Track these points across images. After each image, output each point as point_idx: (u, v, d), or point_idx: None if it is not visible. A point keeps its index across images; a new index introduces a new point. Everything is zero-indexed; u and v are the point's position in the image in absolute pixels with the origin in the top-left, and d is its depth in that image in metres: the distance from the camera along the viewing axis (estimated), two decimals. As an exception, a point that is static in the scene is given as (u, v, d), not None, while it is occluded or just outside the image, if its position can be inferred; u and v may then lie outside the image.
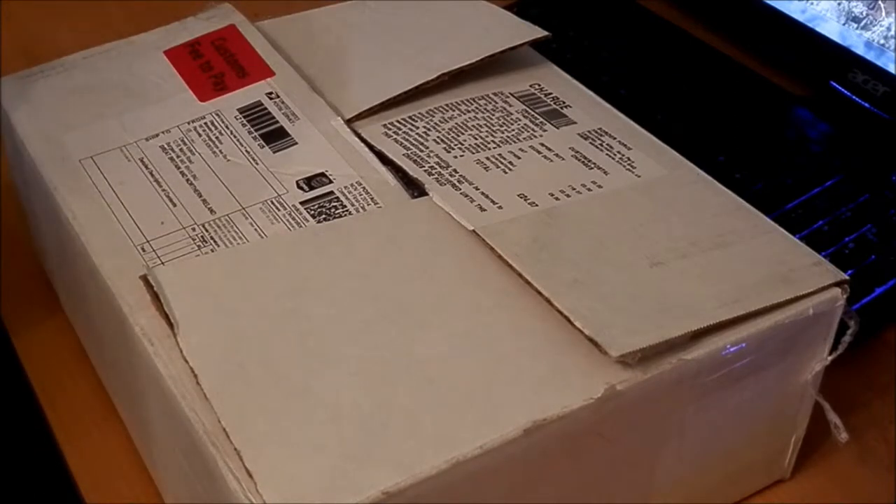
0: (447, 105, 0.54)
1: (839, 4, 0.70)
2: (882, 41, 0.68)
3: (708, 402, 0.43)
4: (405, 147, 0.51)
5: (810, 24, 0.72)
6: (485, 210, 0.47)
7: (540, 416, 0.38)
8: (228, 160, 0.51)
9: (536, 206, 0.47)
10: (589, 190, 0.49)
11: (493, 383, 0.40)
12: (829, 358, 0.46)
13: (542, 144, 0.51)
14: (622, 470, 0.43)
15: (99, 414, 0.54)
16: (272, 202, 0.48)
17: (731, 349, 0.42)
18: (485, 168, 0.50)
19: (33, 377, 0.56)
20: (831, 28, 0.71)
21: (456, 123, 0.53)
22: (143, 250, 0.46)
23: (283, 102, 0.53)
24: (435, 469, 0.37)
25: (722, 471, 0.47)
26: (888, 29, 0.67)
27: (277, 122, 0.52)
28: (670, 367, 0.41)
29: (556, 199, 0.48)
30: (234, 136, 0.52)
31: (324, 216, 0.47)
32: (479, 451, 0.38)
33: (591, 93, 0.56)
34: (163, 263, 0.45)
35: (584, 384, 0.40)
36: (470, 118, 0.53)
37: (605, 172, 0.50)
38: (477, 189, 0.48)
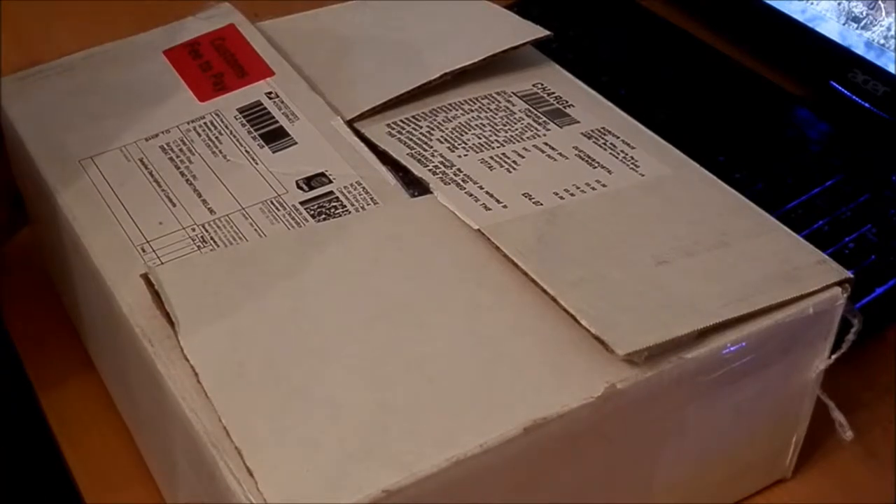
0: (450, 105, 0.54)
1: (839, 4, 0.70)
2: (882, 41, 0.68)
3: (708, 401, 0.43)
4: (409, 147, 0.51)
5: (810, 24, 0.72)
6: (489, 209, 0.47)
7: (540, 415, 0.38)
8: (228, 160, 0.50)
9: (541, 205, 0.47)
10: (593, 189, 0.49)
11: (493, 382, 0.40)
12: (833, 357, 0.46)
13: (546, 144, 0.51)
14: (622, 469, 0.43)
15: (100, 414, 0.53)
16: (272, 202, 0.48)
17: (732, 348, 0.42)
18: (489, 167, 0.50)
19: (34, 377, 0.56)
20: (831, 28, 0.71)
21: (459, 123, 0.53)
22: (143, 251, 0.46)
23: (282, 102, 0.53)
24: (435, 468, 0.37)
25: (723, 470, 0.47)
26: (888, 29, 0.67)
27: (277, 121, 0.52)
28: (670, 366, 0.41)
29: (561, 198, 0.48)
30: (234, 136, 0.52)
31: (323, 216, 0.47)
32: (480, 449, 0.37)
33: (593, 92, 0.56)
34: (162, 264, 0.45)
35: (585, 383, 0.40)
36: (473, 118, 0.53)
37: (609, 171, 0.50)
38: (481, 188, 0.48)
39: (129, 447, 0.52)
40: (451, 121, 0.53)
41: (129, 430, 0.52)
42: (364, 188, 0.49)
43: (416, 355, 0.41)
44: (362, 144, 0.51)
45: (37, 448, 0.55)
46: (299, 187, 0.49)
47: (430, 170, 0.49)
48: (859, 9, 0.69)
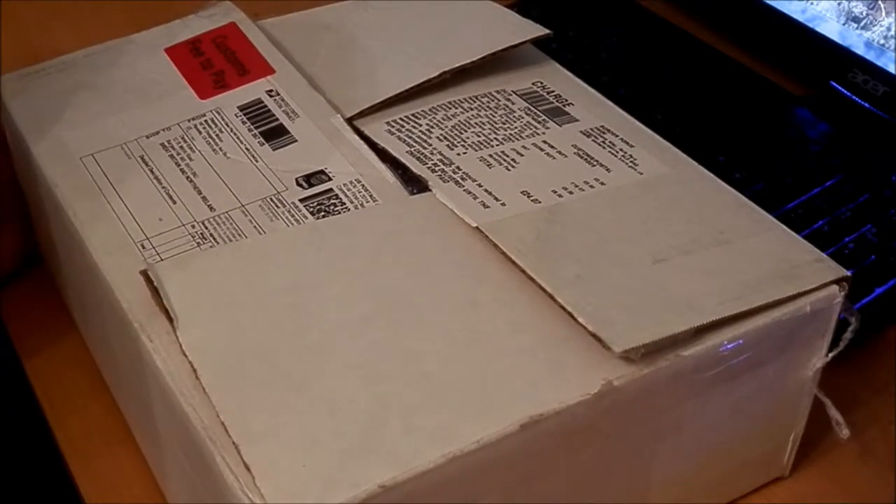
0: (450, 103, 0.54)
1: (839, 4, 0.70)
2: (882, 41, 0.68)
3: (705, 398, 0.43)
4: (408, 144, 0.51)
5: (810, 24, 0.72)
6: (488, 207, 0.47)
7: (537, 412, 0.38)
8: (228, 158, 0.51)
9: (539, 203, 0.47)
10: (591, 187, 0.49)
11: (490, 378, 0.40)
12: (830, 355, 0.46)
13: (545, 142, 0.51)
14: (619, 466, 0.43)
15: (99, 410, 0.54)
16: (271, 199, 0.48)
17: (729, 346, 0.42)
18: (488, 165, 0.50)
19: (34, 374, 0.56)
20: (831, 28, 0.71)
21: (459, 121, 0.53)
22: (143, 247, 0.46)
23: (283, 100, 0.54)
24: (432, 463, 0.37)
25: (720, 468, 0.47)
26: (888, 29, 0.67)
27: (277, 119, 0.52)
28: (667, 363, 0.41)
29: (559, 196, 0.48)
30: (234, 134, 0.52)
31: (322, 213, 0.47)
32: (476, 445, 0.38)
33: (593, 90, 0.56)
34: (162, 260, 0.45)
35: (582, 380, 0.40)
36: (473, 116, 0.53)
37: (608, 170, 0.50)
38: (480, 186, 0.48)
39: (128, 442, 0.52)
40: (450, 119, 0.53)
41: (128, 426, 0.52)
42: (363, 186, 0.49)
43: (413, 352, 0.41)
44: (362, 142, 0.51)
45: (35, 445, 0.56)
46: (299, 185, 0.49)
47: (429, 167, 0.49)
48: (859, 9, 0.69)
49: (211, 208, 0.48)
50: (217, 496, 0.39)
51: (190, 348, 0.41)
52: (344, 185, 0.49)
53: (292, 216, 0.47)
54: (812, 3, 0.72)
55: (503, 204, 0.47)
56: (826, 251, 0.47)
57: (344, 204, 0.48)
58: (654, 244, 0.45)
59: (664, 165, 0.51)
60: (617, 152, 0.51)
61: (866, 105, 0.69)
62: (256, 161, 0.50)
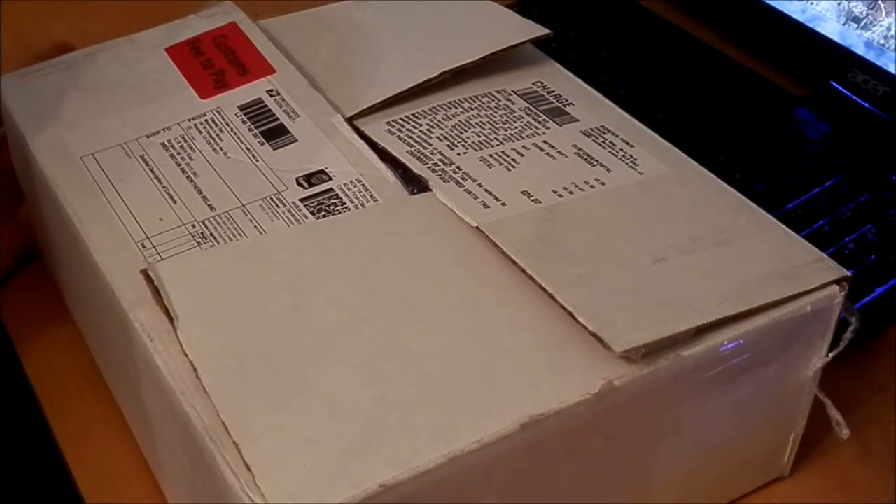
0: (450, 102, 0.54)
1: (839, 4, 0.70)
2: (882, 41, 0.68)
3: (706, 398, 0.43)
4: (409, 144, 0.51)
5: (810, 24, 0.72)
6: (488, 207, 0.47)
7: (537, 411, 0.38)
8: (229, 157, 0.51)
9: (540, 202, 0.47)
10: (592, 187, 0.49)
11: (490, 378, 0.40)
12: (830, 355, 0.46)
13: (545, 142, 0.52)
14: (620, 466, 0.43)
15: (100, 412, 0.54)
16: (272, 199, 0.48)
17: (729, 346, 0.42)
18: (488, 165, 0.50)
19: (33, 373, 0.56)
20: (831, 28, 0.71)
21: (459, 121, 0.53)
22: (143, 247, 0.46)
23: (283, 100, 0.54)
24: (432, 463, 0.37)
25: (720, 468, 0.47)
26: (888, 29, 0.67)
27: (278, 119, 0.53)
28: (668, 363, 0.41)
29: (560, 196, 0.48)
30: (235, 134, 0.52)
31: (323, 213, 0.47)
32: (477, 445, 0.38)
33: (593, 90, 0.56)
34: (162, 260, 0.45)
35: (582, 380, 0.40)
36: (473, 115, 0.53)
37: (608, 170, 0.50)
38: (480, 186, 0.48)
39: (130, 446, 0.52)
40: (450, 118, 0.53)
41: (128, 426, 0.52)
42: (364, 185, 0.49)
43: (413, 351, 0.41)
44: (362, 142, 0.51)
45: (35, 444, 0.56)
46: (299, 184, 0.49)
47: (429, 167, 0.49)
48: (859, 9, 0.69)
49: (211, 208, 0.48)
50: (217, 496, 0.39)
51: (190, 348, 0.41)
52: (344, 184, 0.49)
53: (293, 216, 0.47)
54: (812, 3, 0.72)
55: (503, 204, 0.47)
56: (826, 251, 0.47)
57: (344, 203, 0.48)
58: (654, 244, 0.45)
59: (664, 165, 0.51)
60: (617, 152, 0.51)
61: (866, 105, 0.69)
62: (257, 161, 0.50)
